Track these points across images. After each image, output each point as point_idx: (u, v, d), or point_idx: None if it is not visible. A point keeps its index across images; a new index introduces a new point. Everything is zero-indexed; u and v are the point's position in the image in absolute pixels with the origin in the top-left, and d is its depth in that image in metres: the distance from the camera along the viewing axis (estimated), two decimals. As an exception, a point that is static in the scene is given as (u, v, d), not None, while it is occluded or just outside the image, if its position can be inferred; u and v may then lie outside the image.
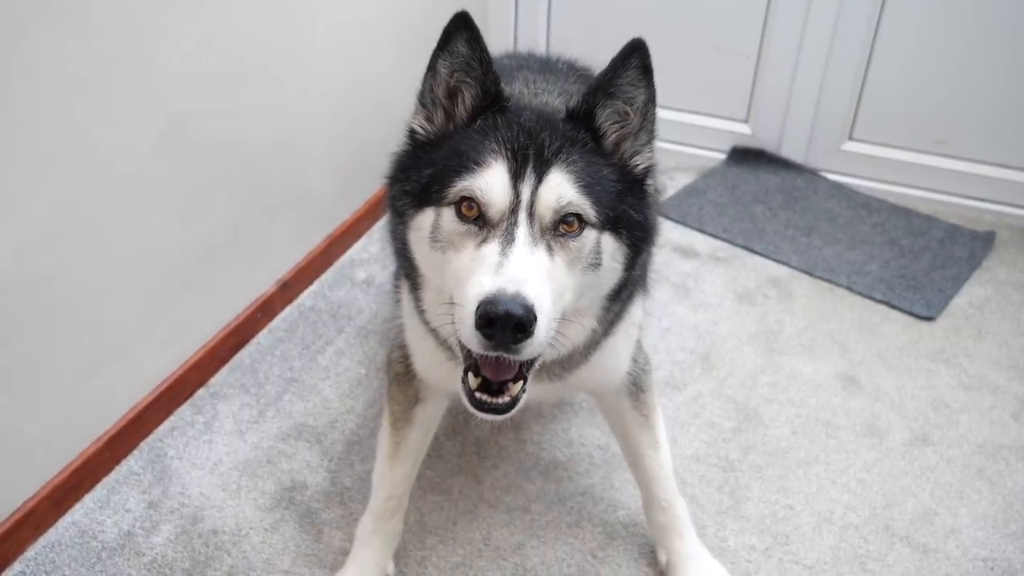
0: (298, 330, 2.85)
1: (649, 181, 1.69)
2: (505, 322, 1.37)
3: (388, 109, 3.10)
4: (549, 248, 1.49)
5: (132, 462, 2.39)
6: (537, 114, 1.61)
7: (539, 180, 1.50)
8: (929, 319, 2.98)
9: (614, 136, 1.62)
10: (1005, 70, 3.30)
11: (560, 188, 1.50)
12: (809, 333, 2.91)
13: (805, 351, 2.83)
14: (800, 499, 2.35)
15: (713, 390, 2.68)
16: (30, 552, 2.14)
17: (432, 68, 1.61)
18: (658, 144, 1.69)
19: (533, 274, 1.43)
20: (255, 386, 2.63)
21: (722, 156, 3.81)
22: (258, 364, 2.71)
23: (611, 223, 1.56)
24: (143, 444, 2.44)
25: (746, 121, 3.77)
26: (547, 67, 2.27)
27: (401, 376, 2.03)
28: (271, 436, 2.48)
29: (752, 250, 3.30)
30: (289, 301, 2.94)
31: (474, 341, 1.42)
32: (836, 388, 2.70)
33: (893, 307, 3.02)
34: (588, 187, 1.53)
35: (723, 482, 2.39)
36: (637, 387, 2.06)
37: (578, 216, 1.51)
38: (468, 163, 1.52)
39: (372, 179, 3.16)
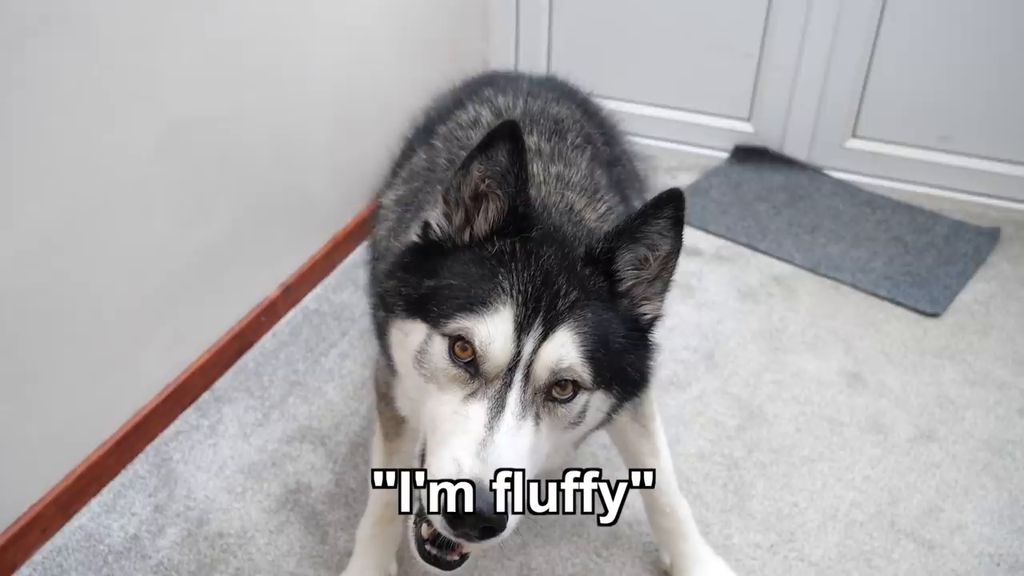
0: (302, 333, 2.86)
1: (654, 331, 1.59)
2: (474, 522, 1.29)
3: (388, 112, 3.09)
4: (537, 416, 1.40)
5: (138, 466, 2.40)
6: (556, 250, 1.48)
7: (544, 336, 1.39)
8: (934, 315, 2.97)
9: (630, 281, 1.52)
10: (1009, 65, 3.29)
11: (563, 350, 1.40)
12: (813, 331, 2.91)
13: (809, 348, 2.83)
14: (805, 496, 2.34)
15: (717, 388, 2.67)
16: (37, 556, 2.16)
17: (465, 167, 1.49)
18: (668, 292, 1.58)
19: (516, 460, 1.34)
20: (259, 389, 2.64)
21: (725, 155, 3.81)
22: (262, 368, 2.72)
23: (606, 383, 1.47)
24: (148, 448, 2.45)
25: (748, 119, 3.77)
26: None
27: (386, 396, 1.96)
28: (276, 439, 2.49)
29: (756, 248, 3.29)
30: (292, 305, 2.95)
31: (437, 519, 1.33)
32: (840, 385, 2.69)
33: (898, 304, 3.02)
34: (593, 351, 1.42)
35: (727, 480, 2.39)
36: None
37: (573, 381, 1.42)
38: (474, 299, 1.40)
39: (373, 183, 3.18)
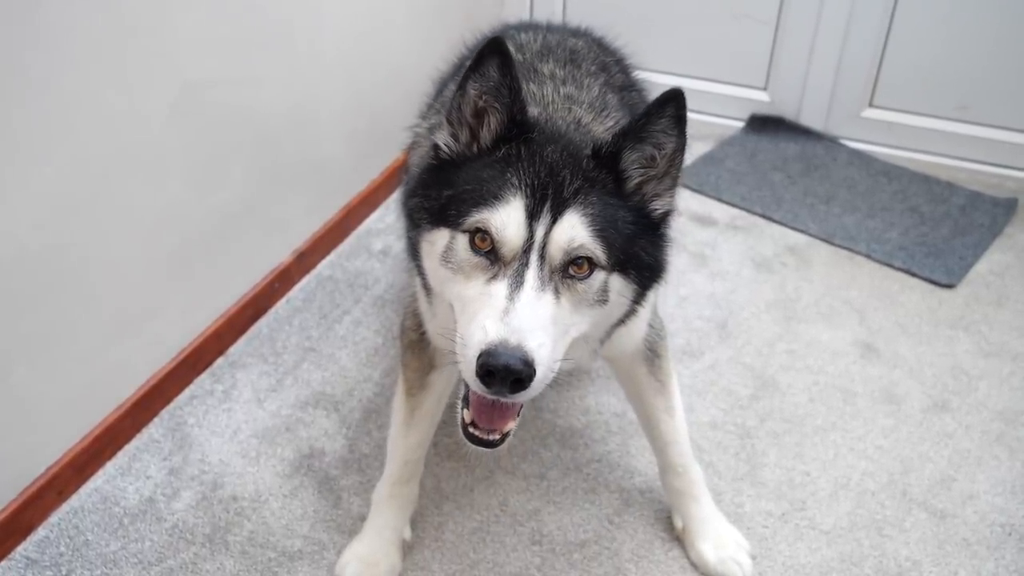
0: (315, 300, 2.86)
1: (666, 225, 1.68)
2: (504, 375, 1.42)
3: (401, 78, 3.09)
4: (556, 291, 1.51)
5: (153, 430, 2.41)
6: (561, 148, 1.59)
7: (554, 220, 1.51)
8: (949, 286, 2.95)
9: (638, 179, 1.60)
10: (1028, 34, 3.25)
11: (573, 230, 1.51)
12: (827, 301, 2.90)
13: (823, 319, 2.82)
14: (817, 465, 2.35)
15: (730, 358, 2.67)
16: (54, 517, 2.18)
17: (462, 88, 1.61)
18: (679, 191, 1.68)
19: (537, 323, 1.46)
20: (273, 355, 2.65)
21: (740, 124, 3.78)
22: (276, 333, 2.73)
23: (621, 265, 1.57)
24: (163, 412, 2.46)
25: (764, 88, 3.73)
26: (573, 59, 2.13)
27: (415, 343, 2.04)
28: (289, 404, 2.50)
29: (770, 218, 3.28)
30: (306, 271, 2.95)
31: (474, 383, 1.47)
32: (854, 355, 2.68)
33: (913, 274, 3.00)
34: (602, 230, 1.53)
35: (740, 449, 2.39)
36: (653, 353, 2.06)
37: (588, 259, 1.52)
38: (487, 195, 1.53)
39: (387, 149, 3.17)
